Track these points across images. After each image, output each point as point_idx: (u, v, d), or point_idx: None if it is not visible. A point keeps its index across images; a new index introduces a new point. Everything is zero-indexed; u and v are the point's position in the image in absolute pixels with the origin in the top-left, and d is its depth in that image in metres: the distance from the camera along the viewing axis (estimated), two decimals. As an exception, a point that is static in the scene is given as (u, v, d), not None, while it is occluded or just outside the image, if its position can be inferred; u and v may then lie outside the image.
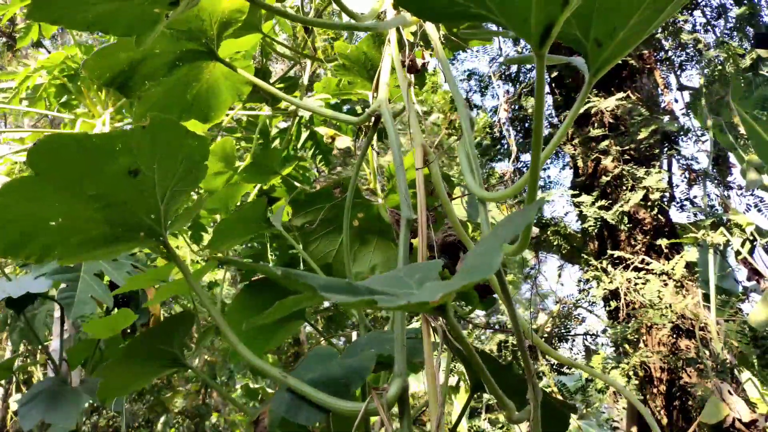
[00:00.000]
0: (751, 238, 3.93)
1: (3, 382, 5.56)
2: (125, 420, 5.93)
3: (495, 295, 1.02)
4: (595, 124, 4.87)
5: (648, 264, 4.35)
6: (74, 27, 0.92)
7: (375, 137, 1.13)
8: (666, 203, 4.63)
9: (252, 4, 1.13)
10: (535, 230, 4.84)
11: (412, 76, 1.14)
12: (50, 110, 3.03)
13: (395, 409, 0.78)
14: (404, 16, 1.14)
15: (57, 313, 2.43)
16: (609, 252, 4.60)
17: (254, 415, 0.78)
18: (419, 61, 1.13)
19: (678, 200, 4.63)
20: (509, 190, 0.83)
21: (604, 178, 4.63)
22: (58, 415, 1.54)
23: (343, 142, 1.70)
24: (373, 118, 1.07)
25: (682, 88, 4.99)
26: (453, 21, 0.65)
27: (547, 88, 5.79)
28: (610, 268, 4.43)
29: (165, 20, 0.95)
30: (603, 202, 4.59)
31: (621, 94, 4.68)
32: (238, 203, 2.13)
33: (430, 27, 1.14)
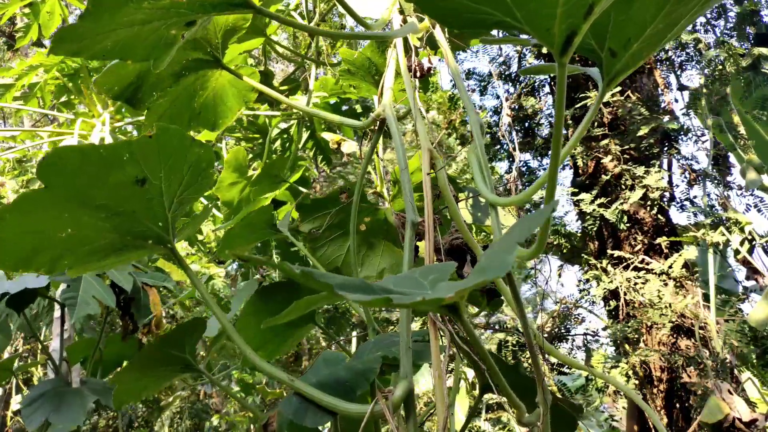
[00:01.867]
0: (750, 237, 3.94)
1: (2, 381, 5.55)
2: (123, 420, 5.93)
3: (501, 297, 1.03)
4: (595, 124, 4.88)
5: (648, 264, 4.36)
6: (94, 57, 0.93)
7: (381, 139, 1.14)
8: (666, 203, 4.64)
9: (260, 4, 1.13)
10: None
11: (417, 80, 1.14)
12: (44, 108, 3.02)
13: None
14: (414, 24, 1.14)
15: (57, 313, 2.43)
16: (609, 252, 4.61)
17: (264, 419, 0.79)
18: (425, 65, 1.13)
19: (678, 200, 4.64)
20: (521, 195, 0.84)
21: (604, 177, 4.64)
22: (64, 416, 1.54)
23: (349, 147, 1.70)
24: (377, 122, 1.07)
25: (682, 88, 5.00)
26: (476, 28, 0.66)
27: (547, 88, 5.80)
28: (610, 268, 4.44)
29: (181, 40, 0.95)
30: (603, 200, 4.60)
31: (618, 89, 4.69)
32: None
33: (438, 34, 1.14)
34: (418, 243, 0.94)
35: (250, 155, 2.77)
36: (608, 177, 4.62)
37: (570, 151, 0.72)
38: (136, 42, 0.93)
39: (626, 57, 0.66)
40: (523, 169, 5.74)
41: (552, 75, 5.40)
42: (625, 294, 4.30)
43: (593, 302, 4.84)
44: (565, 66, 0.62)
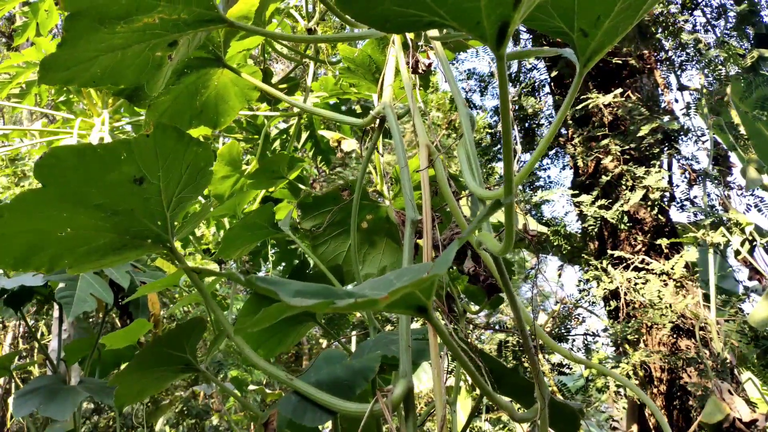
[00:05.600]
0: (751, 238, 3.93)
1: (2, 381, 5.55)
2: (123, 420, 5.93)
3: (502, 294, 1.02)
4: (595, 124, 4.88)
5: (648, 264, 4.35)
6: (85, 84, 0.94)
7: (380, 137, 1.13)
8: (666, 203, 4.64)
9: (258, 8, 1.13)
10: (542, 228, 4.84)
11: (417, 77, 1.14)
12: (42, 107, 3.01)
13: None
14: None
15: (56, 313, 2.43)
16: (609, 252, 4.60)
17: (264, 418, 0.78)
18: (424, 62, 1.13)
19: (678, 200, 4.63)
20: (503, 188, 0.83)
21: (604, 178, 4.63)
22: (53, 409, 1.54)
23: (349, 145, 1.69)
24: (377, 120, 1.07)
25: (682, 88, 5.00)
26: (413, 30, 0.66)
27: (547, 88, 5.79)
28: (610, 268, 4.44)
29: (169, 62, 0.96)
30: (603, 202, 4.59)
31: (619, 90, 4.69)
32: (246, 207, 2.13)
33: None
34: (419, 241, 0.93)
35: (249, 156, 2.76)
36: (609, 177, 4.61)
37: (549, 141, 0.71)
38: (122, 67, 0.94)
39: (599, 35, 0.64)
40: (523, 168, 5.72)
41: (552, 75, 5.40)
42: (625, 294, 4.29)
43: (593, 302, 4.83)
44: (503, 59, 0.61)
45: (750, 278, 3.87)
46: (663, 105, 5.10)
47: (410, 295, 0.57)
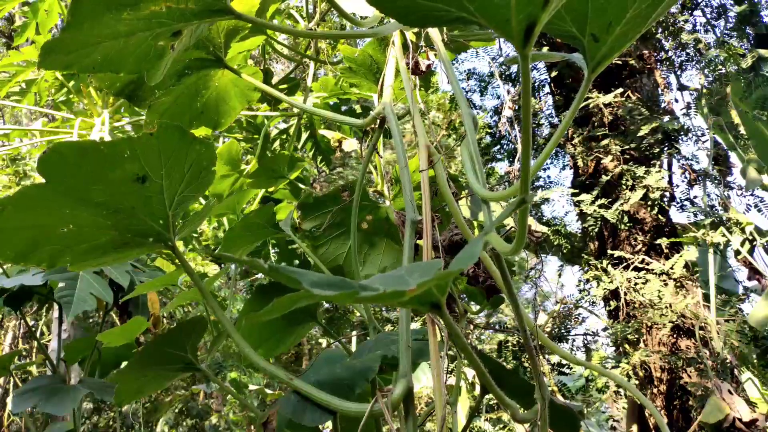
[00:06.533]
0: (751, 238, 3.94)
1: (1, 381, 5.56)
2: (123, 420, 5.93)
3: (502, 295, 1.02)
4: (596, 124, 4.88)
5: (648, 264, 4.36)
6: (85, 70, 0.94)
7: (381, 138, 1.14)
8: (666, 203, 4.64)
9: (259, 8, 1.14)
10: (544, 228, 4.85)
11: (417, 78, 1.14)
12: (42, 106, 3.01)
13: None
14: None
15: (56, 313, 2.43)
16: (609, 252, 4.60)
17: (263, 417, 0.78)
18: (424, 63, 1.13)
19: (678, 200, 4.64)
20: (510, 189, 0.83)
21: (604, 178, 4.63)
22: (53, 405, 1.54)
23: (350, 145, 1.69)
24: (378, 120, 1.07)
25: (682, 88, 5.00)
26: (437, 25, 0.66)
27: (547, 88, 5.79)
28: (610, 268, 4.44)
29: (171, 52, 0.95)
30: (603, 201, 4.59)
31: (619, 90, 4.69)
32: (245, 206, 2.13)
33: (431, 28, 1.14)
34: (419, 241, 0.94)
35: (249, 156, 2.77)
36: (609, 177, 4.61)
37: (556, 143, 0.71)
38: (124, 55, 0.93)
39: (610, 41, 0.64)
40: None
41: (552, 74, 5.40)
42: (625, 294, 4.30)
43: (593, 302, 4.84)
44: (528, 58, 0.60)
45: (750, 278, 3.88)
46: (663, 105, 5.10)
47: (427, 291, 0.57)
